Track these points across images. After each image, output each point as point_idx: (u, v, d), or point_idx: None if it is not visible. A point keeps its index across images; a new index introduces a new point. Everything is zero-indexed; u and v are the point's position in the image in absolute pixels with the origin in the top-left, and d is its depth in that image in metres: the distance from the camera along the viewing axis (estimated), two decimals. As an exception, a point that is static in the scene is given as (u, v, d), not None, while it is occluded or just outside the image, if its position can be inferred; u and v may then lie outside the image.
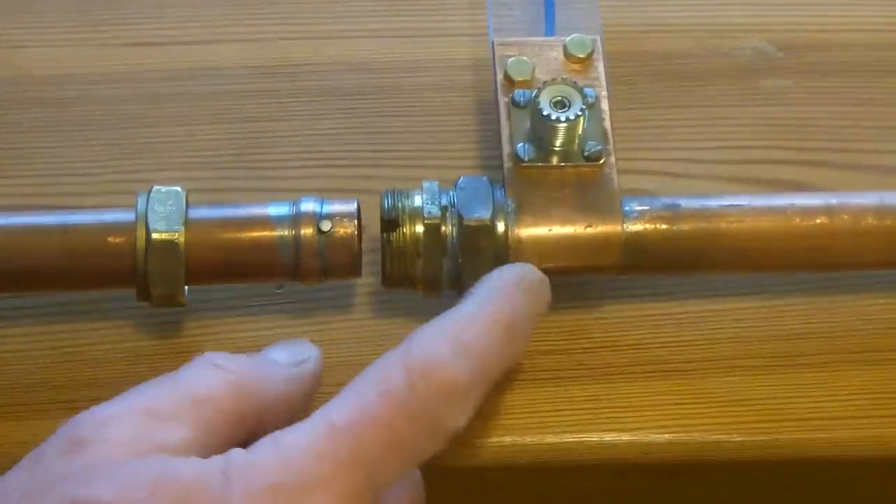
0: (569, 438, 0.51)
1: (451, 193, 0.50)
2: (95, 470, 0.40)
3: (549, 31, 0.55)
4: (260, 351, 0.47)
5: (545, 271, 0.49)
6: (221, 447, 0.42)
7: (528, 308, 0.46)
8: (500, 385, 0.50)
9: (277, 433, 0.41)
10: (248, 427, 0.43)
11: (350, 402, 0.41)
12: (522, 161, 0.50)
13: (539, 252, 0.50)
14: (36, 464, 0.41)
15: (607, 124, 0.52)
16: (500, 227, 0.49)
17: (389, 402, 0.41)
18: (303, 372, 0.46)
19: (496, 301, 0.45)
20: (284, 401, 0.45)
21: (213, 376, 0.43)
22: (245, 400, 0.43)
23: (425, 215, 0.49)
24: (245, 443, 0.42)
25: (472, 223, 0.49)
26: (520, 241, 0.49)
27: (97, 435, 0.41)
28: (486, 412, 0.51)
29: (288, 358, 0.46)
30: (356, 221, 0.50)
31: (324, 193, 0.51)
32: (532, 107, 0.50)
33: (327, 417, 0.41)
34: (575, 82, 0.50)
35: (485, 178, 0.50)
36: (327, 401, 0.43)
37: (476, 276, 0.49)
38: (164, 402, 0.42)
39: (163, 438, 0.41)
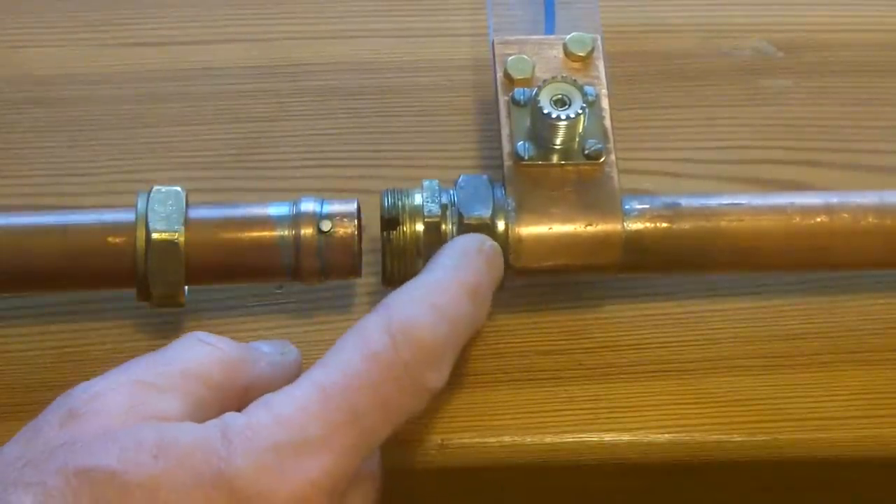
0: (569, 438, 0.51)
1: (452, 192, 0.50)
2: (95, 438, 0.40)
3: (549, 30, 0.55)
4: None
5: (545, 270, 0.50)
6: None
7: (489, 274, 0.48)
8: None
9: (267, 396, 0.42)
10: (234, 404, 0.44)
11: (337, 366, 0.43)
12: (523, 159, 0.50)
13: (539, 251, 0.49)
14: (34, 436, 0.41)
15: (607, 123, 0.52)
16: (500, 225, 0.49)
17: (375, 365, 0.43)
18: (285, 360, 0.47)
19: (461, 268, 0.47)
20: (268, 383, 0.45)
21: (202, 352, 0.44)
22: (232, 377, 0.44)
23: (425, 214, 0.49)
24: None
25: (473, 222, 0.49)
26: (520, 239, 0.49)
27: (92, 406, 0.42)
28: (485, 412, 0.51)
29: (271, 349, 0.47)
30: (356, 221, 0.50)
31: (324, 193, 0.51)
32: (532, 105, 0.50)
33: (316, 381, 0.42)
34: (575, 80, 0.50)
35: (485, 176, 0.50)
36: None
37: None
38: (155, 376, 0.43)
39: (156, 408, 0.42)
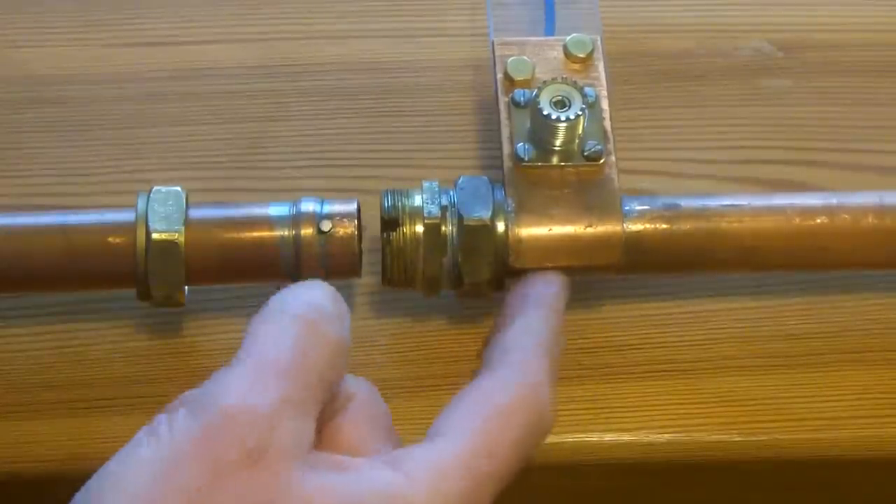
0: (569, 438, 0.51)
1: (451, 193, 0.50)
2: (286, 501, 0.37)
3: (549, 31, 0.55)
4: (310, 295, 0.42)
5: (545, 271, 0.49)
6: None
7: None
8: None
9: (421, 461, 0.40)
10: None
11: (488, 440, 0.41)
12: (522, 161, 0.50)
13: (539, 252, 0.49)
14: (217, 474, 0.36)
15: (607, 124, 0.52)
16: (500, 226, 0.49)
17: (518, 443, 0.42)
18: (349, 327, 0.42)
19: (560, 326, 0.47)
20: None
21: (326, 351, 0.40)
22: (341, 371, 0.41)
23: (425, 215, 0.49)
24: None
25: (473, 223, 0.49)
26: (520, 240, 0.49)
27: (270, 441, 0.37)
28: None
29: (337, 310, 0.42)
30: (356, 221, 0.50)
31: (324, 193, 0.51)
32: (532, 106, 0.50)
33: (469, 458, 0.41)
34: (575, 82, 0.50)
35: (485, 177, 0.50)
36: None
37: (476, 275, 0.49)
38: (300, 391, 0.39)
39: (306, 437, 0.38)
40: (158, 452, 0.37)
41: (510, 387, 0.43)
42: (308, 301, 0.41)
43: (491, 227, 0.49)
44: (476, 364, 0.52)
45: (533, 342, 0.45)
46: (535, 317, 0.46)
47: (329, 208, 0.50)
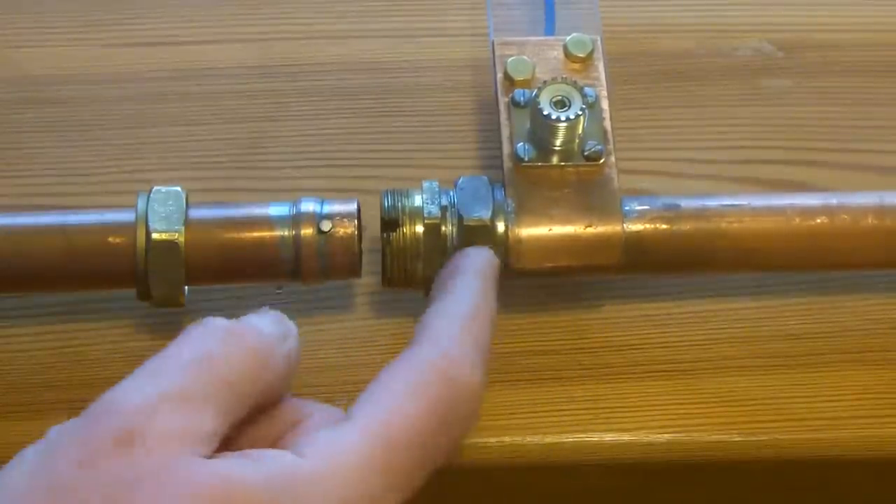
0: (569, 438, 0.51)
1: (451, 193, 0.50)
2: (159, 481, 0.37)
3: (549, 31, 0.55)
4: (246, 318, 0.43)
5: (545, 271, 0.50)
6: (233, 430, 0.41)
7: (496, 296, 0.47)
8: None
9: (324, 440, 0.40)
10: (250, 408, 0.42)
11: (395, 412, 0.41)
12: (522, 161, 0.50)
13: (539, 252, 0.50)
14: (89, 459, 0.38)
15: (607, 124, 0.52)
16: (500, 227, 0.49)
17: (433, 416, 0.41)
18: (293, 348, 0.44)
19: (488, 297, 0.46)
20: (284, 379, 0.43)
21: (238, 355, 0.41)
22: (263, 381, 0.42)
23: (425, 215, 0.49)
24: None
25: (472, 223, 0.49)
26: (519, 240, 0.49)
27: (147, 428, 0.38)
28: (485, 412, 0.51)
29: (275, 329, 0.43)
30: (356, 221, 0.49)
31: (324, 193, 0.51)
32: (532, 106, 0.50)
33: (377, 431, 0.40)
34: (575, 82, 0.50)
35: (485, 177, 0.50)
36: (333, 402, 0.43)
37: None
38: (196, 385, 0.40)
39: (200, 429, 0.39)
40: (41, 448, 0.38)
41: (419, 360, 0.43)
42: (243, 320, 0.42)
43: (491, 228, 0.49)
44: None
45: (449, 312, 0.45)
46: (453, 289, 0.46)
47: (329, 208, 0.50)
